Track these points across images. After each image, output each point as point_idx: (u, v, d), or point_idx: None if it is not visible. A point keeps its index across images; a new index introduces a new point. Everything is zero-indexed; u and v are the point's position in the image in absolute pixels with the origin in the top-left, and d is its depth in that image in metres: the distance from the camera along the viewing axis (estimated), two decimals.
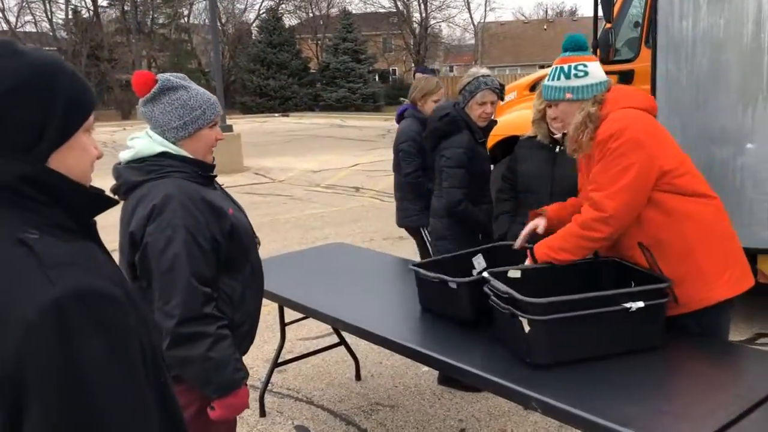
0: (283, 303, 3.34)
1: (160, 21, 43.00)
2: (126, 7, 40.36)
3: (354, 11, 43.46)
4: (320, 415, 3.63)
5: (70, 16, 40.89)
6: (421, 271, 2.77)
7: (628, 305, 2.18)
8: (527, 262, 2.55)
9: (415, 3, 44.33)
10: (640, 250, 2.44)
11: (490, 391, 2.52)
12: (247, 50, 40.61)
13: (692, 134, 4.00)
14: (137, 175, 2.03)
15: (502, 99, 3.73)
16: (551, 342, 2.18)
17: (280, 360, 3.76)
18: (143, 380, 1.09)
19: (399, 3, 43.79)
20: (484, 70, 3.61)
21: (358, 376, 4.03)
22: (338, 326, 3.13)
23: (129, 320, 1.08)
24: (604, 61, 4.67)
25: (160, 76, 2.06)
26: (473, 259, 2.93)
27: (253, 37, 42.35)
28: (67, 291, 0.99)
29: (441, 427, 3.45)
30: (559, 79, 2.52)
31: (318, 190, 11.40)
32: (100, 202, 1.18)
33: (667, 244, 2.40)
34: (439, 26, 48.14)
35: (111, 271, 1.13)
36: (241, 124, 25.85)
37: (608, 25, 4.73)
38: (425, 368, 4.11)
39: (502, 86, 3.56)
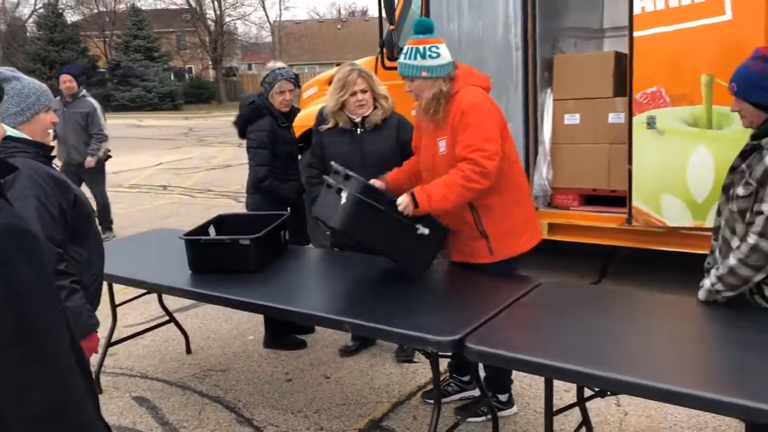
0: (111, 280, 3.58)
1: None
2: None
3: (143, 7, 41.70)
4: (156, 386, 3.91)
5: None
6: (203, 237, 3.41)
7: (418, 226, 2.88)
8: (406, 199, 2.87)
9: (209, 0, 43.54)
10: (469, 209, 3.02)
11: (315, 324, 3.05)
12: (24, 48, 37.34)
13: None
14: None
15: (299, 86, 4.23)
16: (357, 217, 2.83)
17: (112, 341, 3.96)
18: (61, 302, 1.45)
19: (191, 0, 42.74)
20: (280, 63, 4.14)
21: (188, 350, 4.34)
22: (163, 291, 3.45)
23: (46, 254, 1.44)
24: (390, 59, 5.38)
25: None
26: (209, 229, 3.61)
27: (30, 34, 39.04)
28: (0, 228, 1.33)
29: (270, 380, 3.90)
30: (415, 58, 2.94)
31: (121, 190, 11.14)
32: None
33: (491, 208, 3.02)
34: (235, 24, 47.67)
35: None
36: None
37: (392, 27, 5.44)
38: (251, 336, 4.54)
39: (297, 75, 4.09)
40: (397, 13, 5.68)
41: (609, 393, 2.54)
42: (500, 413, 3.27)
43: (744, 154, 2.52)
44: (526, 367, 2.29)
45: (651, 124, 4.28)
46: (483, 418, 3.27)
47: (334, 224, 2.92)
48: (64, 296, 2.25)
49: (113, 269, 3.52)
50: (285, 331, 4.34)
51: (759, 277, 2.43)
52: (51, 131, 2.50)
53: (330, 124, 3.85)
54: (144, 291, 3.93)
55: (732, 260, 2.46)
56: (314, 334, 4.47)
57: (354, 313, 2.67)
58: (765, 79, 2.36)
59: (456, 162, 2.93)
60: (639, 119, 4.34)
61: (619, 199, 4.66)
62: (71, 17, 41.14)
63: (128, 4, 41.28)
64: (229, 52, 46.73)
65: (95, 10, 43.45)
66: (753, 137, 2.48)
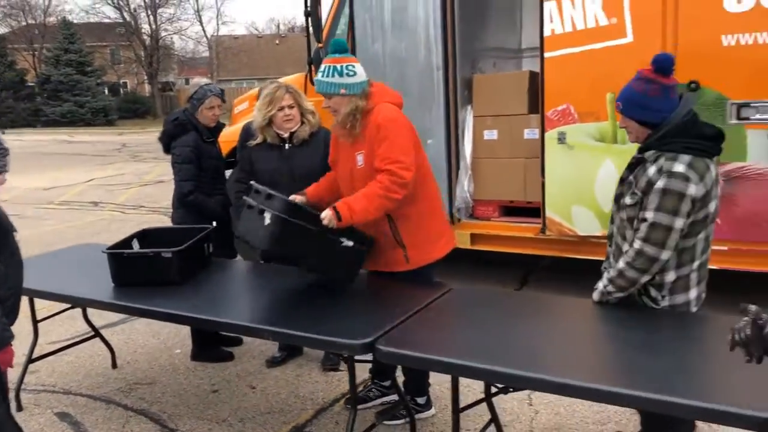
0: (33, 295, 3.57)
1: None
2: None
3: (75, 20, 40.73)
4: (80, 401, 3.89)
5: None
6: (126, 251, 3.46)
7: (342, 239, 2.96)
8: (329, 213, 2.95)
9: (144, 14, 42.92)
10: (386, 220, 3.16)
11: (237, 332, 3.13)
12: None
13: None
14: None
15: (224, 101, 4.31)
16: (281, 236, 2.89)
17: (33, 357, 3.93)
18: None
19: (126, 14, 42.07)
20: (206, 80, 4.22)
21: (114, 365, 4.33)
22: (86, 305, 3.49)
23: None
24: None
25: None
26: (132, 242, 3.66)
27: None
28: None
29: (196, 392, 3.94)
30: (333, 76, 3.08)
31: (51, 207, 10.94)
32: None
33: (408, 218, 3.16)
34: (172, 38, 47.00)
35: None
36: None
37: (320, 45, 5.59)
38: (178, 350, 4.56)
39: (223, 91, 4.19)
40: (325, 32, 5.84)
41: (511, 389, 2.71)
42: (418, 415, 3.41)
43: (631, 167, 2.76)
44: (433, 365, 2.44)
45: (561, 139, 4.54)
46: (402, 421, 3.40)
47: (259, 245, 2.98)
48: None
49: (35, 284, 3.52)
50: (212, 344, 4.39)
51: (644, 279, 2.65)
52: None
53: (258, 140, 3.91)
54: (68, 306, 3.92)
55: (621, 264, 2.68)
56: (242, 347, 4.53)
57: (275, 321, 2.78)
58: (646, 98, 2.60)
59: (374, 174, 3.07)
60: (550, 135, 4.60)
61: (535, 210, 4.91)
62: None
63: (59, 17, 40.32)
64: (166, 67, 46.08)
65: (23, 23, 42.21)
66: (639, 151, 2.71)
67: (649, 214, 2.57)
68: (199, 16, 68.15)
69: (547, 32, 4.51)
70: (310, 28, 5.47)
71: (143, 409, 3.76)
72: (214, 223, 4.10)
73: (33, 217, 9.97)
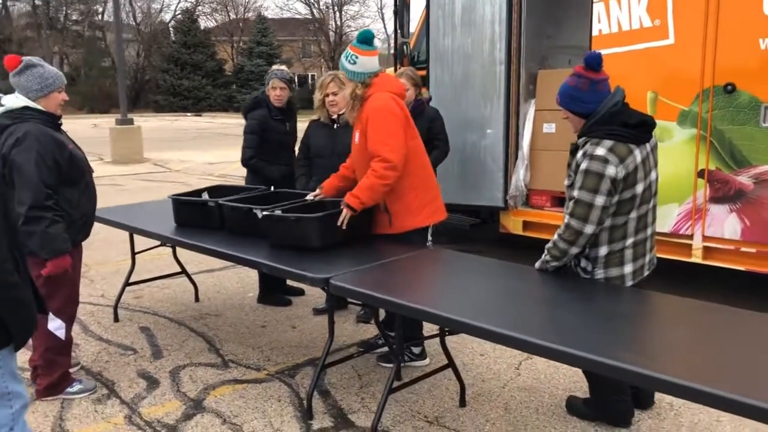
0: (131, 230, 4.55)
1: (74, 17, 42.74)
2: (37, 2, 39.97)
3: (270, 16, 44.46)
4: (161, 321, 4.85)
5: None
6: (182, 197, 4.32)
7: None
8: (344, 211, 3.55)
9: (332, 11, 45.71)
10: None
11: (246, 265, 3.92)
12: (161, 50, 40.95)
13: (452, 121, 5.44)
14: (8, 119, 3.26)
15: (290, 88, 5.01)
16: (275, 233, 3.61)
17: (130, 281, 4.93)
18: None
19: (315, 10, 45.09)
20: (279, 66, 4.95)
21: (197, 299, 5.27)
22: (170, 242, 4.36)
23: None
24: (401, 65, 6.10)
25: (24, 57, 3.30)
26: (203, 194, 4.45)
27: (169, 38, 42.72)
28: None
29: (249, 326, 4.73)
30: (344, 59, 3.66)
31: (211, 178, 12.50)
32: None
33: (393, 189, 3.61)
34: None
35: None
36: (152, 121, 26.55)
37: (408, 40, 6.17)
38: (251, 294, 5.40)
39: (291, 77, 4.90)
40: (417, 29, 6.42)
41: (447, 332, 3.15)
42: (412, 363, 3.92)
43: (572, 153, 3.07)
44: (369, 299, 2.96)
45: None
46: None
47: (316, 244, 3.53)
48: (46, 225, 3.16)
49: (135, 222, 4.50)
50: (276, 291, 5.18)
51: (574, 250, 2.97)
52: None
53: (316, 117, 4.67)
54: (158, 243, 4.86)
55: (555, 236, 3.02)
56: (302, 297, 5.27)
57: (272, 259, 3.45)
58: (577, 90, 2.92)
59: (367, 151, 3.58)
60: None
61: None
62: (205, 23, 44.64)
63: (256, 12, 44.24)
64: None
65: (227, 18, 46.77)
66: (577, 138, 3.03)
67: (575, 192, 2.90)
68: (382, 14, 70.59)
69: (595, 32, 4.73)
70: (397, 24, 6.05)
71: (203, 332, 4.61)
72: (272, 188, 4.86)
73: (192, 186, 11.51)
